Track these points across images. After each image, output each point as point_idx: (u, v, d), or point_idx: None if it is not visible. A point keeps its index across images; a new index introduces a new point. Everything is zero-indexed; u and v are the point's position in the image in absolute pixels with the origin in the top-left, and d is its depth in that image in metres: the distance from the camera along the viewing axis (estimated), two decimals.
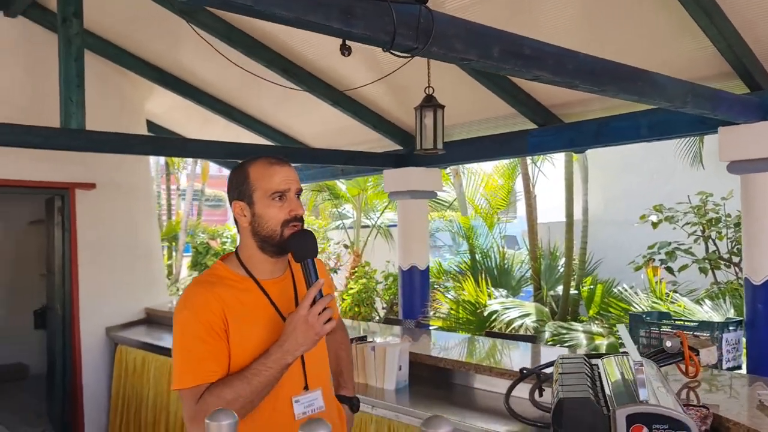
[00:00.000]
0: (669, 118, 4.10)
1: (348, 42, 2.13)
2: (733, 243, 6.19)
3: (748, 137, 3.77)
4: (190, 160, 11.24)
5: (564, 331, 5.75)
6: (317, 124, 6.65)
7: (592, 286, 6.52)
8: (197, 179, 12.16)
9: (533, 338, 4.44)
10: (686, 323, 4.36)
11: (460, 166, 8.44)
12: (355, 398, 2.09)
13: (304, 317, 1.59)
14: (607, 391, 1.67)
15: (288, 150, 6.32)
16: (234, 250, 1.84)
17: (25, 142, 4.07)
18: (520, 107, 4.96)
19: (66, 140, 4.12)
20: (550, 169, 8.08)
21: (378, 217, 9.91)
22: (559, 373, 1.84)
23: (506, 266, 7.18)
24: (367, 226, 10.03)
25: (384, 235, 9.98)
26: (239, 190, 1.74)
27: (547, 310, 6.35)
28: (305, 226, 1.79)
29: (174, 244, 11.26)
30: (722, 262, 6.11)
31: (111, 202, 6.05)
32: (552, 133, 5.03)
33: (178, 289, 10.31)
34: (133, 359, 5.41)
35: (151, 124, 7.78)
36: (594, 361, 2.03)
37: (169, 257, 11.25)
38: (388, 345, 3.28)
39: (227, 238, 10.71)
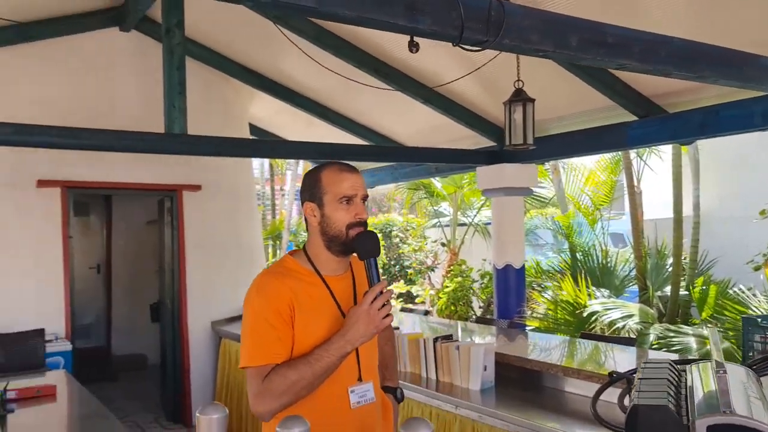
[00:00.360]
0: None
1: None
2: None
3: None
4: (293, 161, 11.65)
5: (672, 335, 5.41)
6: (411, 122, 6.67)
7: (704, 287, 6.09)
8: (299, 179, 12.48)
9: (633, 341, 4.21)
10: None
11: (559, 161, 8.16)
12: (399, 389, 2.18)
13: (366, 311, 1.70)
14: (692, 400, 1.55)
15: (379, 149, 6.39)
16: (302, 246, 1.96)
17: (134, 147, 4.37)
18: (618, 99, 4.72)
19: (169, 144, 4.38)
20: (657, 163, 7.63)
21: (475, 215, 9.78)
22: (639, 378, 1.73)
23: (609, 265, 6.86)
24: (464, 224, 9.93)
25: (481, 233, 9.84)
26: (311, 192, 1.87)
27: (653, 311, 6.00)
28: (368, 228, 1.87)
29: (278, 242, 11.71)
30: None
31: (215, 203, 6.38)
32: (654, 125, 4.75)
33: None
34: (236, 352, 5.66)
35: (254, 128, 8.15)
36: (682, 366, 1.89)
37: (273, 255, 11.69)
38: (472, 345, 3.24)
39: None
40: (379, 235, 11.61)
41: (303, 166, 12.94)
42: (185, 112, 4.42)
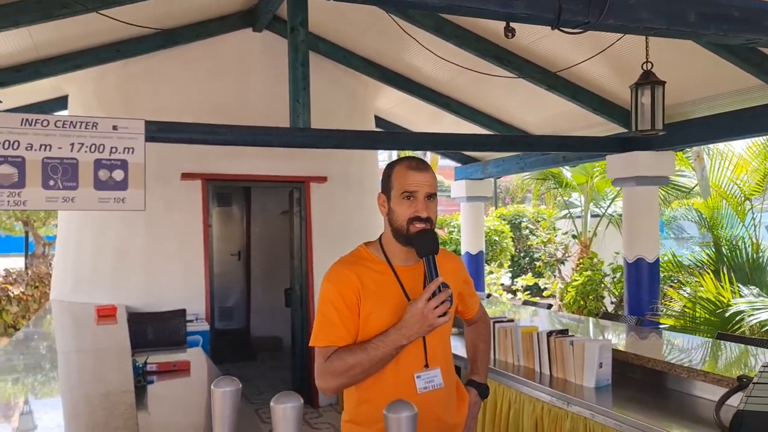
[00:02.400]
0: None
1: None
2: None
3: None
4: (419, 153, 11.69)
5: None
6: (538, 110, 6.47)
7: None
8: None
9: None
10: None
11: (702, 147, 7.52)
12: (484, 385, 2.22)
13: (420, 309, 1.75)
14: None
15: (500, 139, 6.26)
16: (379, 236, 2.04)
17: (261, 142, 4.62)
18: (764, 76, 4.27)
19: (293, 138, 4.59)
20: None
21: (608, 206, 9.29)
22: (754, 383, 1.58)
23: (761, 260, 6.24)
24: (597, 215, 9.46)
25: (615, 225, 9.33)
26: (383, 185, 1.98)
27: None
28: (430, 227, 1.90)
29: None
30: None
31: (341, 194, 6.59)
32: None
33: None
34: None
35: (380, 120, 8.32)
36: None
37: None
38: (587, 341, 3.10)
39: (454, 227, 10.94)
40: (507, 227, 11.34)
41: (430, 157, 13.01)
42: (309, 107, 4.61)
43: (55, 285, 6.53)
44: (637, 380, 3.23)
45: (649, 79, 3.85)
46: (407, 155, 2.03)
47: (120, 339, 3.96)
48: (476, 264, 8.69)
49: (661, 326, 5.59)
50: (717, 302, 5.46)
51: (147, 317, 5.04)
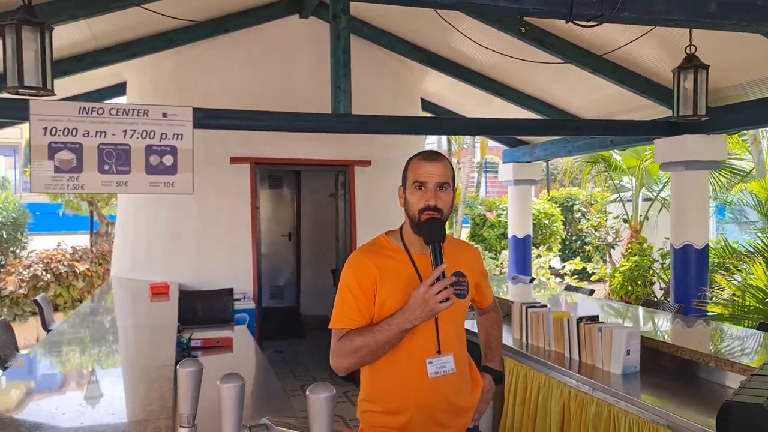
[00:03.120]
0: None
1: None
2: None
3: None
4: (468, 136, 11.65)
5: None
6: (586, 93, 6.36)
7: None
8: (476, 153, 12.52)
9: None
10: None
11: (760, 130, 7.23)
12: (498, 372, 2.28)
13: (422, 294, 1.80)
14: None
15: (544, 123, 6.20)
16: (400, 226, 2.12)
17: (303, 127, 4.76)
18: None
19: (334, 124, 4.70)
20: None
21: (660, 189, 9.05)
22: (752, 375, 1.61)
23: None
24: (649, 199, 9.23)
25: (668, 209, 9.07)
26: (402, 176, 2.08)
27: None
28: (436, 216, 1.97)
29: (454, 215, 11.88)
30: None
31: (385, 178, 6.68)
32: None
33: None
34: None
35: (428, 103, 8.34)
36: None
37: (450, 227, 11.91)
38: (615, 327, 3.11)
39: (503, 210, 10.89)
40: (558, 210, 11.21)
41: (480, 142, 12.93)
42: (350, 94, 4.71)
43: (114, 263, 6.90)
44: (668, 369, 3.22)
45: (692, 63, 3.77)
46: (425, 151, 2.06)
47: (169, 315, 4.20)
48: (523, 247, 8.65)
49: (707, 314, 5.48)
50: (767, 291, 5.31)
51: (197, 295, 5.29)
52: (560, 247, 11.91)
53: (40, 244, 10.80)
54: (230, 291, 5.39)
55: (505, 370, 3.79)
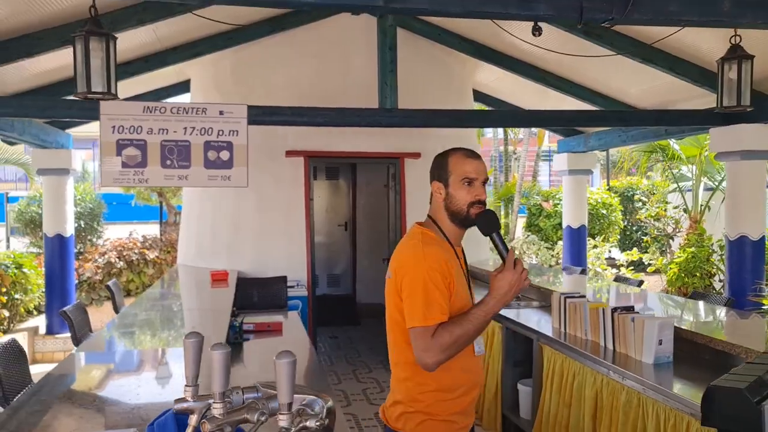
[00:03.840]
0: None
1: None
2: None
3: None
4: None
5: None
6: (639, 82, 6.28)
7: None
8: (532, 142, 12.42)
9: None
10: None
11: None
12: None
13: (515, 277, 1.96)
14: None
15: (591, 114, 6.17)
16: (424, 220, 2.21)
17: (352, 122, 4.96)
18: None
19: (381, 118, 4.88)
20: None
21: (722, 179, 8.78)
22: (746, 362, 1.70)
23: None
24: (711, 189, 8.98)
25: None
26: (439, 173, 2.15)
27: None
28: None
29: (510, 204, 11.87)
30: None
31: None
32: None
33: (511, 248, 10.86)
34: None
35: (483, 95, 8.39)
36: None
37: (506, 216, 11.90)
38: (648, 318, 3.16)
39: (559, 199, 10.80)
40: (617, 200, 11.01)
41: (537, 131, 12.80)
42: (396, 89, 4.88)
43: (180, 251, 7.33)
44: (704, 360, 3.25)
45: (736, 54, 3.73)
46: (460, 148, 2.16)
47: (225, 301, 4.49)
48: (578, 238, 8.60)
49: (763, 307, 5.37)
50: None
51: (253, 282, 5.60)
52: (619, 237, 11.72)
53: (114, 233, 11.50)
54: (284, 278, 5.67)
55: (543, 358, 3.89)
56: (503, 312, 4.69)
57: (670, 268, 7.66)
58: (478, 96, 8.47)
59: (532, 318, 4.54)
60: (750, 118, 5.33)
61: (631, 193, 12.58)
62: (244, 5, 4.30)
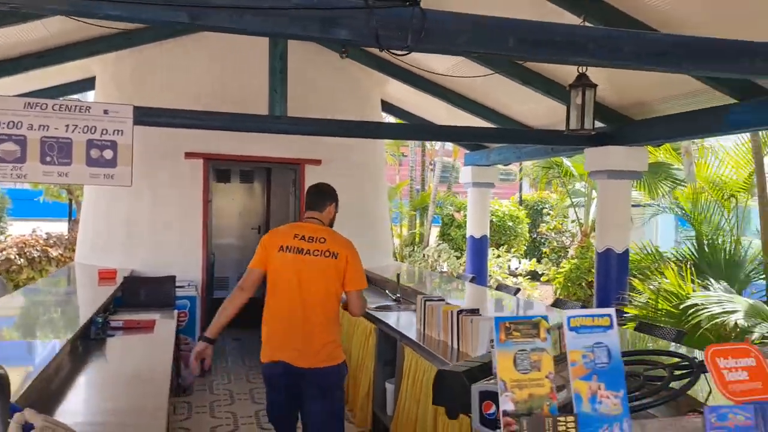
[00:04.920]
0: None
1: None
2: None
3: None
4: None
5: None
6: (530, 103, 6.66)
7: None
8: (446, 154, 12.85)
9: (682, 336, 4.03)
10: None
11: (690, 143, 7.55)
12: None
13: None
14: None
15: (475, 131, 6.53)
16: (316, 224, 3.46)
17: (241, 127, 5.11)
18: (711, 81, 4.43)
19: (270, 125, 5.05)
20: None
21: None
22: (481, 355, 1.95)
23: (737, 256, 6.35)
24: None
25: None
26: (334, 200, 3.63)
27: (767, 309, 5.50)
28: None
29: (425, 213, 12.22)
30: None
31: (336, 177, 6.97)
32: (756, 108, 4.39)
33: (425, 256, 11.20)
34: (342, 313, 6.25)
35: (392, 107, 8.65)
36: None
37: (420, 225, 12.25)
38: (482, 318, 3.46)
39: None
40: (523, 212, 11.40)
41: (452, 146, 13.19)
42: (285, 96, 5.06)
43: (78, 248, 7.26)
44: None
45: (581, 82, 4.10)
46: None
47: (99, 298, 4.55)
48: (480, 248, 8.97)
49: (625, 315, 5.82)
50: (678, 295, 5.64)
51: (141, 281, 5.63)
52: (526, 248, 12.25)
53: (19, 230, 11.17)
54: (173, 278, 5.72)
55: (404, 358, 4.13)
56: (377, 314, 4.93)
57: (556, 278, 8.13)
58: (390, 108, 8.75)
59: (404, 320, 4.78)
60: (618, 140, 5.79)
61: (541, 206, 13.18)
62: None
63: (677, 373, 2.21)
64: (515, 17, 2.31)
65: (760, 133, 6.12)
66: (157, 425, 2.18)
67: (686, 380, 2.06)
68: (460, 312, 3.69)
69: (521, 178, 13.50)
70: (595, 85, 4.15)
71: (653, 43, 2.44)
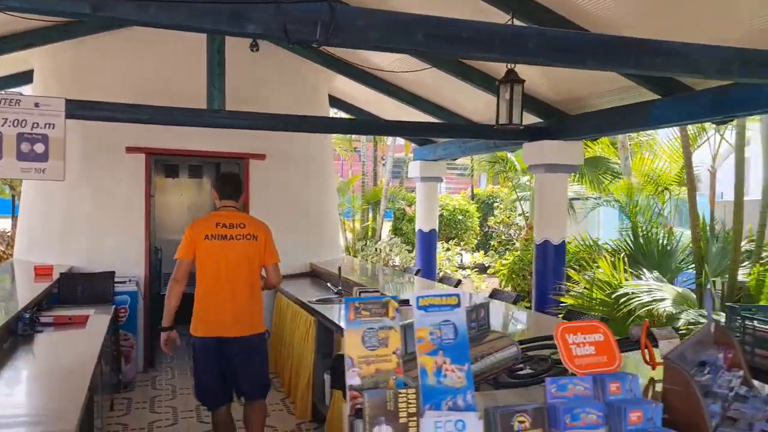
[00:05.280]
0: None
1: None
2: None
3: None
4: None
5: (703, 321, 5.22)
6: (474, 98, 6.77)
7: (762, 274, 5.71)
8: (399, 149, 12.94)
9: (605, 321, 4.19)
10: None
11: (627, 137, 7.81)
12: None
13: None
14: None
15: (414, 125, 6.62)
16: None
17: (180, 121, 5.08)
18: (635, 78, 4.60)
19: (209, 119, 5.04)
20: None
21: None
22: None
23: (668, 247, 6.60)
24: None
25: (568, 209, 9.64)
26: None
27: (694, 297, 5.74)
28: None
29: (377, 207, 12.29)
30: None
31: (282, 171, 7.04)
32: (675, 104, 4.58)
33: (377, 250, 11.28)
34: (286, 307, 6.26)
35: (342, 102, 8.67)
36: None
37: (373, 219, 12.31)
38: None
39: None
40: (474, 207, 11.58)
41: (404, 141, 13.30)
42: (224, 91, 5.04)
43: (16, 245, 7.10)
44: None
45: (509, 78, 4.21)
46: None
47: (26, 295, 4.48)
48: (428, 241, 9.09)
49: (561, 305, 6.00)
50: (611, 285, 5.85)
51: (78, 277, 5.56)
52: (477, 242, 12.45)
53: None
54: (111, 274, 5.66)
55: (340, 350, 4.18)
56: (317, 307, 4.98)
57: (500, 270, 8.31)
58: (340, 103, 8.76)
59: (344, 313, 4.83)
60: (554, 135, 5.96)
61: (492, 201, 13.40)
62: None
63: None
64: (433, 14, 2.38)
65: (688, 128, 6.39)
66: (70, 420, 2.19)
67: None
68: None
69: (471, 173, 13.70)
70: (522, 81, 4.27)
71: (557, 40, 2.54)
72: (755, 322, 3.69)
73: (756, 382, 1.96)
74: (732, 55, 2.76)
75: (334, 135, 11.02)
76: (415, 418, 1.39)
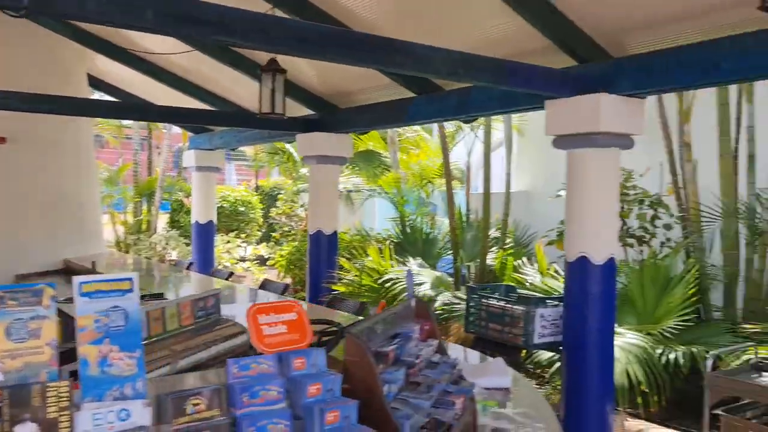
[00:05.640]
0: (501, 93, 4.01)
1: None
2: (653, 219, 6.04)
3: (568, 112, 3.62)
4: None
5: (457, 302, 5.73)
6: (248, 86, 6.63)
7: (504, 259, 6.43)
8: (177, 138, 12.34)
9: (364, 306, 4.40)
10: (522, 297, 4.29)
11: (395, 133, 8.34)
12: None
13: None
14: None
15: (166, 109, 6.41)
16: None
17: None
18: (393, 76, 4.86)
19: None
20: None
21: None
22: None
23: (431, 236, 7.14)
24: None
25: (346, 200, 10.01)
26: None
27: (450, 280, 6.31)
28: None
29: (152, 199, 11.58)
30: (632, 240, 5.93)
31: (28, 155, 6.27)
32: (428, 103, 4.94)
33: (152, 244, 10.62)
34: None
35: (109, 85, 7.98)
36: None
37: (148, 211, 11.59)
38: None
39: None
40: (256, 198, 11.47)
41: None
42: None
43: None
44: None
45: (271, 66, 4.20)
46: None
47: None
48: (206, 234, 8.76)
49: (333, 292, 6.17)
50: (378, 271, 6.16)
51: None
52: (261, 233, 12.34)
53: None
54: None
55: None
56: (63, 307, 4.52)
57: (279, 261, 8.34)
58: (103, 85, 8.05)
59: None
60: (325, 127, 6.08)
61: (276, 192, 13.35)
62: None
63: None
64: None
65: (446, 127, 6.98)
66: None
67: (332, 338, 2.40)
68: (143, 297, 3.55)
69: (254, 164, 13.52)
70: (284, 71, 4.28)
71: (298, 30, 2.57)
72: (490, 300, 4.12)
73: (451, 352, 2.22)
74: (459, 58, 3.03)
75: (97, 119, 10.17)
76: (68, 412, 1.30)
